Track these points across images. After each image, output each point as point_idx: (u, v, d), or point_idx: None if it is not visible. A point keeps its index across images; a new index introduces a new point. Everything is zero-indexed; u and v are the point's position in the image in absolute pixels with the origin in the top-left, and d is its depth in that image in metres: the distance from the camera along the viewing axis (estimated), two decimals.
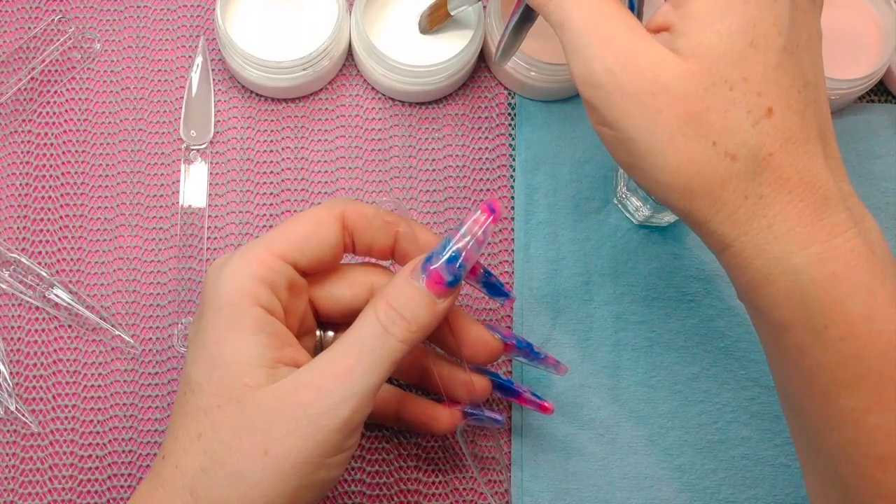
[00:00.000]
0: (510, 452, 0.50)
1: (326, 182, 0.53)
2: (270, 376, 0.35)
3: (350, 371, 0.35)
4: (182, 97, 0.54)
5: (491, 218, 0.37)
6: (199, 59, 0.54)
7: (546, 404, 0.46)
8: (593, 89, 0.34)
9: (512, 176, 0.54)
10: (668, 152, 0.33)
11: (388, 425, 0.48)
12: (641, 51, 0.33)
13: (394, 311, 0.36)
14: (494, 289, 0.43)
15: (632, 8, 0.39)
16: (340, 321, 0.42)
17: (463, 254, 0.37)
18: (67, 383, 0.50)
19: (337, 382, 0.35)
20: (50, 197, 0.52)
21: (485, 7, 0.53)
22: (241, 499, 0.34)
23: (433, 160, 0.54)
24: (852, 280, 0.33)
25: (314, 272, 0.39)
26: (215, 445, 0.35)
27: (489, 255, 0.53)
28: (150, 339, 0.51)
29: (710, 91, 0.33)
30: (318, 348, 0.43)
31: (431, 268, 0.36)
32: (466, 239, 0.37)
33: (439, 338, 0.42)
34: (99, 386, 0.50)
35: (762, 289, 0.34)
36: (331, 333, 0.43)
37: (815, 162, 0.34)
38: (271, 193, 0.53)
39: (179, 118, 0.53)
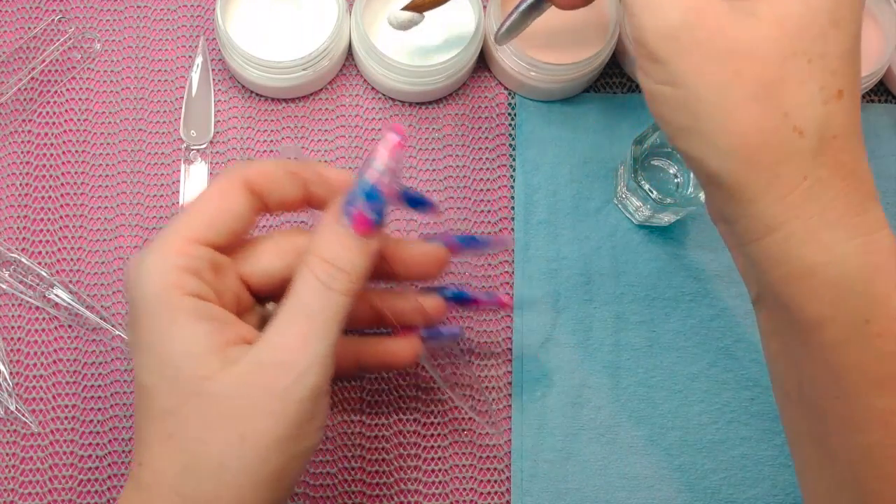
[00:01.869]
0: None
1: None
2: (223, 360, 0.34)
3: (304, 339, 0.34)
4: (182, 97, 0.54)
5: (398, 143, 0.36)
6: (199, 59, 0.54)
7: (503, 298, 0.46)
8: (667, 41, 0.33)
9: (512, 176, 0.54)
10: (737, 116, 0.33)
11: (352, 376, 0.46)
12: (722, 10, 0.33)
13: (329, 264, 0.35)
14: (416, 202, 0.42)
15: None
16: (279, 292, 0.41)
17: (380, 187, 0.36)
18: (67, 383, 0.50)
19: (295, 353, 0.34)
20: (50, 197, 0.52)
21: (485, 7, 0.53)
22: (229, 488, 0.34)
23: (433, 160, 0.54)
24: (895, 276, 0.32)
25: (234, 245, 0.38)
26: (189, 443, 0.34)
27: (489, 254, 0.53)
28: None
29: (789, 61, 0.32)
30: (262, 322, 0.41)
31: (353, 210, 0.35)
32: (380, 171, 0.36)
33: (380, 269, 0.41)
34: (99, 386, 0.50)
35: (803, 280, 0.33)
36: (271, 305, 0.42)
37: (863, 154, 0.34)
38: None
39: (179, 118, 0.53)
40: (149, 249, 0.36)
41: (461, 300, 0.45)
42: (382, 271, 0.41)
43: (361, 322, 0.44)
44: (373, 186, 0.35)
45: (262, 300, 0.42)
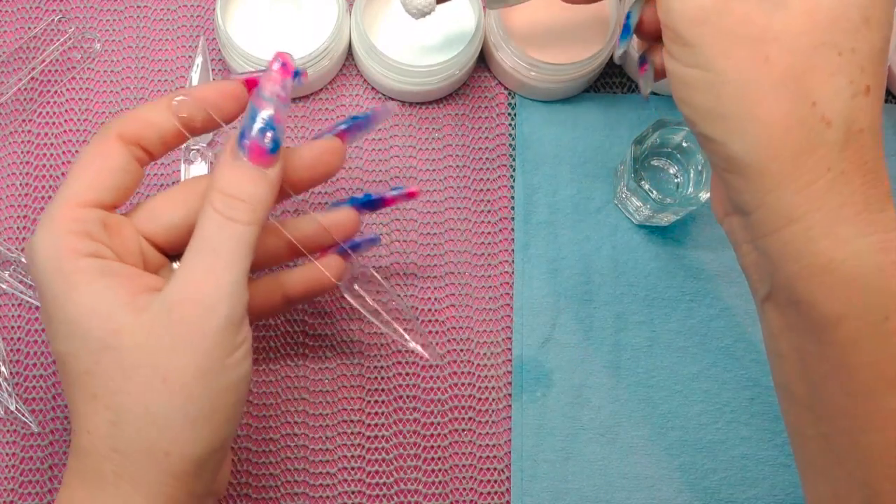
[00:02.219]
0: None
1: (326, 182, 0.53)
2: (132, 311, 0.34)
3: (211, 272, 0.34)
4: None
5: (284, 70, 0.36)
6: (199, 59, 0.54)
7: (412, 189, 0.46)
8: (697, 26, 0.34)
9: (512, 176, 0.54)
10: (764, 102, 0.33)
11: (282, 310, 0.46)
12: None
13: (229, 196, 0.35)
14: (371, 203, 0.43)
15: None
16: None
17: (273, 117, 0.36)
18: None
19: (202, 288, 0.34)
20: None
21: (485, 7, 0.53)
22: (162, 432, 0.34)
23: (433, 160, 0.54)
24: None
25: (125, 200, 0.38)
26: (113, 398, 0.34)
27: (489, 254, 0.53)
28: None
29: (819, 52, 0.32)
30: None
31: (248, 143, 0.35)
32: (271, 102, 0.36)
33: (283, 186, 0.41)
34: None
35: (819, 276, 0.33)
36: None
37: (882, 154, 0.34)
38: None
39: None
40: (39, 224, 0.36)
41: (371, 203, 0.45)
42: (287, 186, 0.41)
43: (279, 257, 0.44)
44: (263, 116, 0.36)
45: (177, 258, 0.41)
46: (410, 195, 0.46)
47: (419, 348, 0.44)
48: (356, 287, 0.43)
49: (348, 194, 0.53)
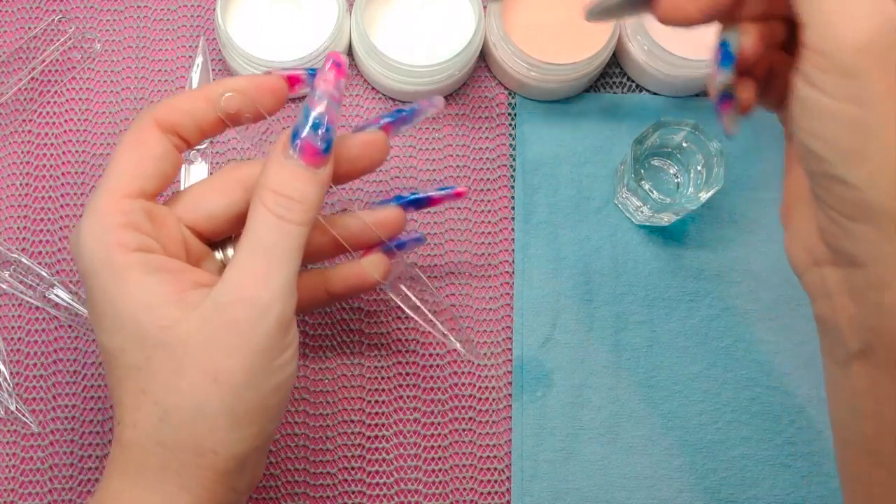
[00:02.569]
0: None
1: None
2: (182, 308, 0.34)
3: (264, 273, 0.34)
4: None
5: (339, 71, 0.36)
6: (199, 59, 0.54)
7: (459, 189, 0.46)
8: (864, 57, 0.30)
9: (512, 176, 0.54)
10: None
11: (325, 307, 0.45)
12: None
13: (282, 196, 0.35)
14: (419, 202, 0.43)
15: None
16: (231, 232, 0.41)
17: (326, 117, 0.36)
18: (67, 383, 0.50)
19: (256, 289, 0.34)
20: (50, 197, 0.52)
21: (485, 7, 0.53)
22: (208, 430, 0.34)
23: (433, 160, 0.54)
24: None
25: (165, 188, 0.38)
26: (163, 394, 0.34)
27: (489, 254, 0.53)
28: None
29: None
30: (223, 269, 0.41)
31: (301, 142, 0.35)
32: (325, 101, 0.36)
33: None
34: (99, 386, 0.50)
35: None
36: (231, 250, 0.41)
37: None
38: None
39: None
40: (83, 217, 0.36)
41: (417, 202, 0.45)
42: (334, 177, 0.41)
43: (325, 254, 0.43)
44: (319, 116, 0.35)
45: (218, 246, 0.41)
46: (458, 195, 0.46)
47: (461, 347, 0.44)
48: (401, 286, 0.43)
49: (347, 194, 0.53)
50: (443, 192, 0.46)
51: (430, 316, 0.43)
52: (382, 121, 0.43)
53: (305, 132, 0.35)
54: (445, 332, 0.43)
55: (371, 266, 0.43)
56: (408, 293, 0.43)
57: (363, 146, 0.41)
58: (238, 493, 0.36)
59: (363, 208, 0.43)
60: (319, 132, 0.35)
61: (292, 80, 0.39)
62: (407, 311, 0.43)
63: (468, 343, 0.44)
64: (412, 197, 0.45)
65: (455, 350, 0.51)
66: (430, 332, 0.51)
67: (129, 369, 0.35)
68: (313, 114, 0.36)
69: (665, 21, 0.36)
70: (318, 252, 0.43)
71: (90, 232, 0.35)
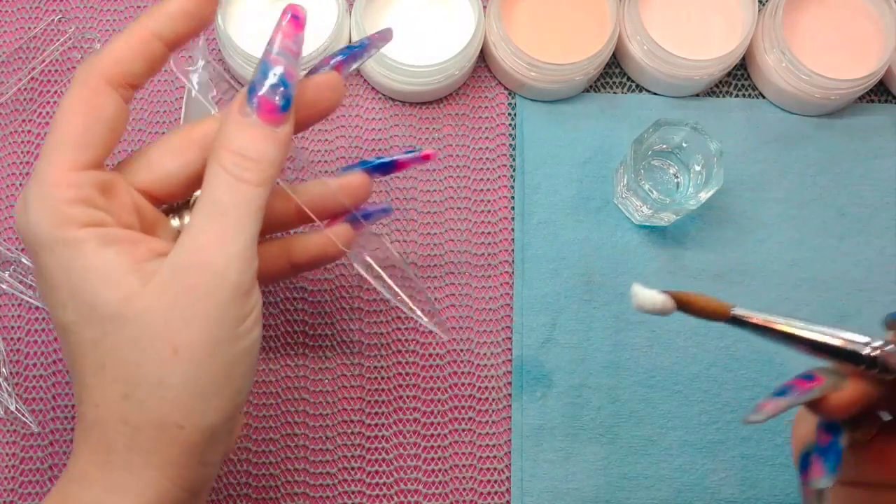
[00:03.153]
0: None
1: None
2: (141, 279, 0.33)
3: (221, 236, 0.33)
4: (182, 97, 0.54)
5: (296, 24, 0.34)
6: (200, 62, 0.54)
7: (427, 152, 0.44)
8: None
9: (512, 176, 0.54)
10: None
11: (286, 276, 0.44)
12: None
13: (238, 155, 0.33)
14: (385, 166, 0.41)
15: None
16: (185, 195, 0.39)
17: (284, 72, 0.34)
18: (67, 383, 0.50)
19: (212, 253, 0.33)
20: None
21: (485, 7, 0.53)
22: (173, 404, 0.33)
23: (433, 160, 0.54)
24: None
25: (114, 149, 0.35)
26: (123, 369, 0.33)
27: (489, 254, 0.53)
28: None
29: None
30: (178, 234, 0.39)
31: (258, 99, 0.34)
32: (283, 56, 0.34)
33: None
34: None
35: None
36: (188, 217, 0.39)
37: None
38: None
39: (179, 118, 0.53)
40: (29, 191, 0.34)
41: (383, 167, 0.44)
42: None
43: (288, 223, 0.42)
44: (275, 70, 0.34)
45: (174, 212, 0.39)
46: (425, 158, 0.44)
47: (428, 322, 0.42)
48: (367, 258, 0.41)
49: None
50: (409, 154, 0.44)
51: (396, 289, 0.41)
52: (333, 60, 0.41)
53: (264, 89, 0.34)
54: (413, 307, 0.41)
55: (336, 236, 0.41)
56: (372, 264, 0.41)
57: (316, 88, 0.38)
58: (209, 465, 0.35)
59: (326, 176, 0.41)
60: (279, 89, 0.34)
61: None
62: (373, 283, 0.42)
63: (437, 320, 0.42)
64: (378, 161, 0.44)
65: (456, 351, 0.51)
66: (430, 332, 0.51)
67: (86, 345, 0.33)
68: (272, 70, 0.34)
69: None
70: (280, 221, 0.42)
71: (39, 207, 0.33)
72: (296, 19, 0.34)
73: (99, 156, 0.34)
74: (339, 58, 0.41)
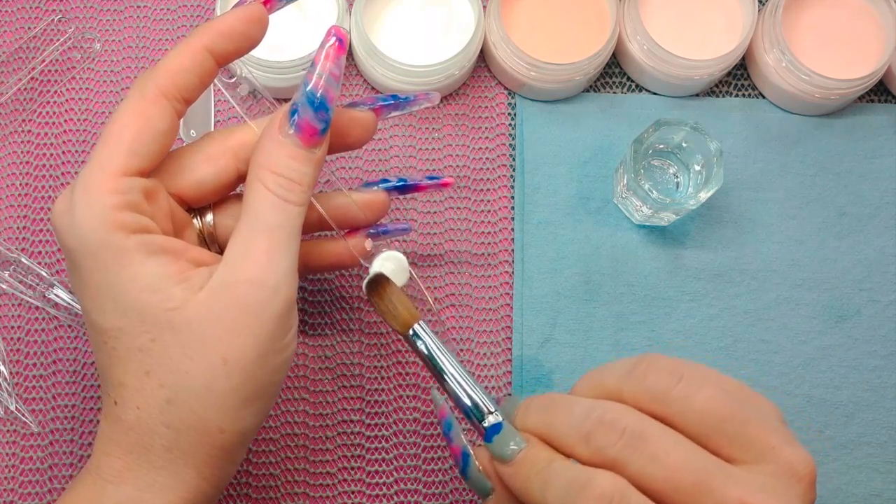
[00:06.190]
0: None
1: (326, 182, 0.53)
2: (187, 289, 0.34)
3: (269, 254, 0.34)
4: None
5: (340, 47, 0.35)
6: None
7: (446, 180, 0.46)
8: None
9: (512, 176, 0.54)
10: None
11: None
12: None
13: (281, 177, 0.35)
14: (394, 102, 0.42)
15: None
16: (214, 200, 0.40)
17: (326, 96, 0.35)
18: (67, 383, 0.50)
19: (263, 270, 0.34)
20: (50, 197, 0.52)
21: (485, 7, 0.53)
22: (216, 409, 0.34)
23: (433, 160, 0.54)
24: None
25: (160, 161, 0.36)
26: (170, 376, 0.34)
27: (489, 254, 0.53)
28: None
29: None
30: (202, 236, 0.40)
31: (300, 121, 0.35)
32: (324, 78, 0.35)
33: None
34: (99, 386, 0.50)
35: None
36: (209, 218, 0.40)
37: None
38: None
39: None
40: (76, 193, 0.34)
41: (403, 188, 0.45)
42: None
43: (307, 229, 0.43)
44: (318, 94, 0.35)
45: (198, 212, 0.40)
46: (444, 185, 0.46)
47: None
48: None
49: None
50: (430, 180, 0.46)
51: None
52: (376, 103, 0.42)
53: (305, 111, 0.35)
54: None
55: (354, 248, 0.43)
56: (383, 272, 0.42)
57: (351, 121, 0.40)
58: (237, 463, 0.37)
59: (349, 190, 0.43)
60: (319, 112, 0.35)
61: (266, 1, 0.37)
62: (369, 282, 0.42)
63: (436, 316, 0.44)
64: (399, 183, 0.45)
65: (456, 350, 0.51)
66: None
67: (132, 351, 0.34)
68: (316, 93, 0.35)
69: None
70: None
71: (86, 211, 0.34)
72: (340, 42, 0.35)
73: (147, 165, 0.35)
74: (381, 102, 0.42)
